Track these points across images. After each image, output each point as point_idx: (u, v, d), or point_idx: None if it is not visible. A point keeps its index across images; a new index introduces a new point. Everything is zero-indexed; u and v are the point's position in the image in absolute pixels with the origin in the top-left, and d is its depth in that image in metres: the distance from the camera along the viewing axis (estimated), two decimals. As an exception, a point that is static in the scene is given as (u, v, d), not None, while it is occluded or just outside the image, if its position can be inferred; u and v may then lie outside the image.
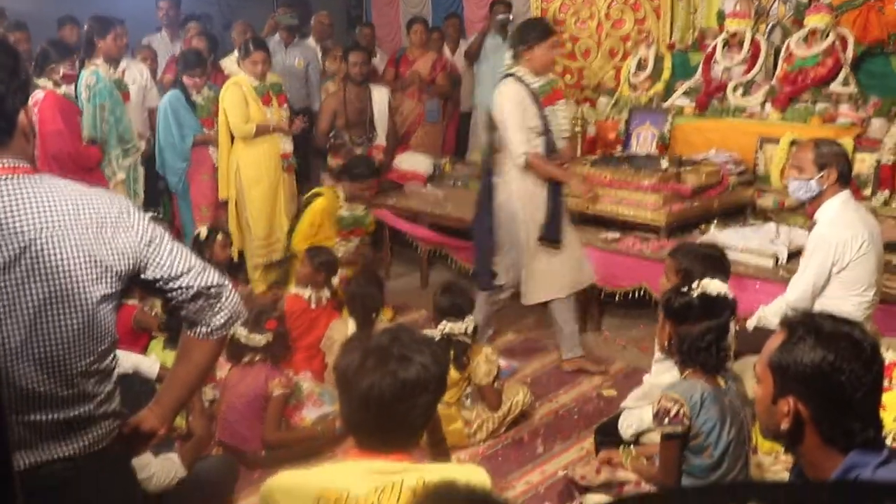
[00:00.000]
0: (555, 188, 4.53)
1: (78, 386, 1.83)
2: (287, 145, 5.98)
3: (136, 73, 6.35)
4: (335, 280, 4.71)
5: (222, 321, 2.02)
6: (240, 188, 5.88)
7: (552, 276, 4.63)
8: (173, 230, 5.59)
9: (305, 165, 6.99)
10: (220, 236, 4.94)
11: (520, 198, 4.57)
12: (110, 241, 1.81)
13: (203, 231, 4.97)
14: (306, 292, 4.57)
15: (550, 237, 4.55)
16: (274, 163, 5.90)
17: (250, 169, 5.84)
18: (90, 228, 1.78)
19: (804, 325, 1.73)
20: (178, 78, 6.11)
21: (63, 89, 5.19)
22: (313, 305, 4.55)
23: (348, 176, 5.58)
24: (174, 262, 1.93)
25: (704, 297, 2.74)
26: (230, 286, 2.04)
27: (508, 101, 4.51)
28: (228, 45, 7.94)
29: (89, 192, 1.85)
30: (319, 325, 4.51)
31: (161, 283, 1.92)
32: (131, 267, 1.86)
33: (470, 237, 5.70)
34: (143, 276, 1.90)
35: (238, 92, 5.76)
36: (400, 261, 6.62)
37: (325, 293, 4.62)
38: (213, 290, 1.98)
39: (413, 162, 6.87)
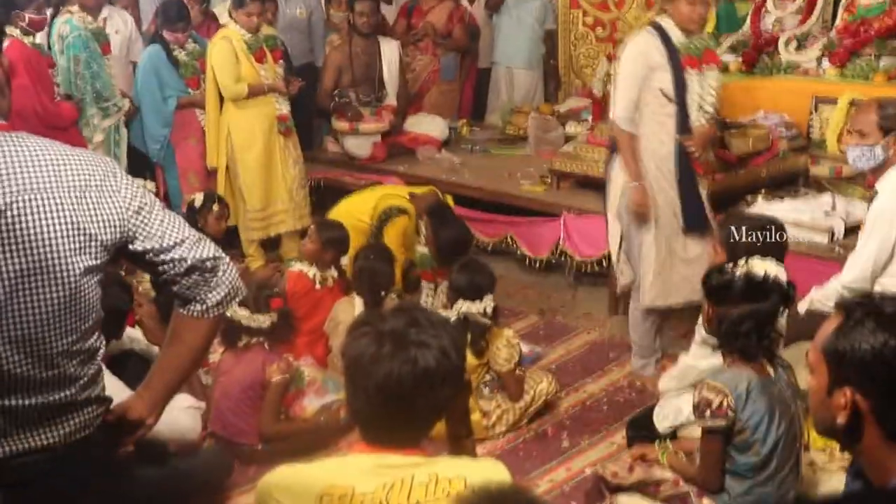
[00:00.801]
0: (684, 162, 4.29)
1: (58, 367, 1.84)
2: (283, 106, 5.93)
3: (119, 22, 6.34)
4: (344, 260, 4.70)
5: (219, 298, 2.02)
6: (231, 155, 5.87)
7: (680, 278, 4.29)
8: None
9: (307, 127, 6.98)
10: (216, 206, 4.95)
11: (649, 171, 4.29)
12: (94, 208, 1.81)
13: (198, 198, 4.97)
14: (311, 270, 4.56)
15: (692, 224, 4.29)
16: (268, 125, 5.87)
17: (242, 133, 5.82)
18: (72, 192, 1.78)
19: (862, 307, 1.71)
20: (157, 31, 6.05)
21: (33, 39, 5.16)
22: (318, 286, 4.55)
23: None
24: (165, 232, 1.93)
25: (747, 277, 2.72)
26: (227, 259, 2.05)
27: (629, 54, 4.31)
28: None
29: (72, 152, 1.84)
30: (324, 307, 4.52)
31: (151, 255, 1.92)
32: (118, 236, 1.86)
33: (489, 208, 5.71)
34: (131, 247, 1.90)
35: (227, 47, 5.71)
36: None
37: (332, 273, 4.62)
38: (208, 263, 1.98)
39: (426, 124, 6.84)
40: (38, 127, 4.95)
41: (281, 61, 5.99)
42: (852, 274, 3.53)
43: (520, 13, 7.77)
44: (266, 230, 5.93)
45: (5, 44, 4.91)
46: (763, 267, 2.72)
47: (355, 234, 4.88)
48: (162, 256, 1.93)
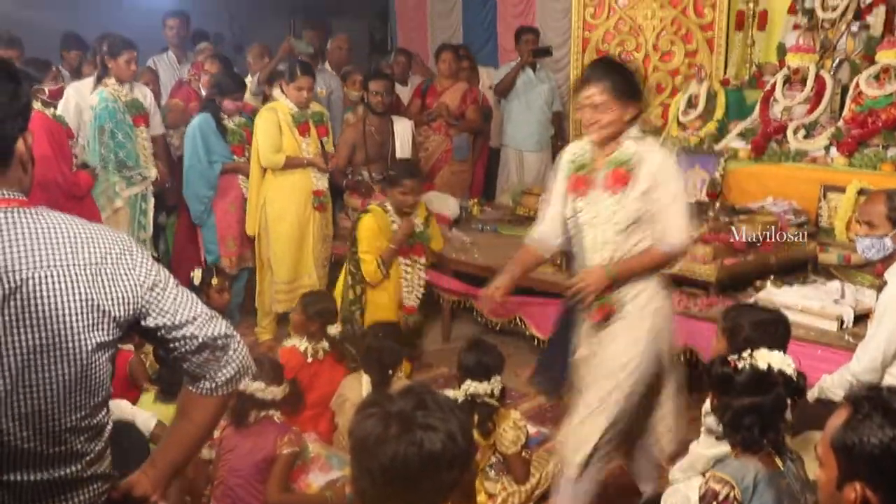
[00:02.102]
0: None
1: (66, 443, 1.83)
2: (321, 182, 6.06)
3: (139, 96, 6.46)
4: (332, 329, 4.69)
5: (228, 376, 2.02)
6: (265, 224, 5.97)
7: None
8: (198, 264, 5.69)
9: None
10: (215, 280, 4.97)
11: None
12: (110, 284, 1.82)
13: (196, 274, 5.01)
14: (303, 344, 4.56)
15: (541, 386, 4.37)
16: (304, 198, 5.98)
17: (277, 204, 5.93)
18: (88, 269, 1.79)
19: (871, 400, 1.71)
20: (207, 101, 6.23)
21: (54, 111, 5.31)
22: (309, 359, 4.54)
23: (388, 183, 5.54)
24: (178, 309, 1.94)
25: (750, 370, 2.70)
26: (238, 338, 2.05)
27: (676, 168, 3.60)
28: (241, 69, 8.08)
29: (89, 227, 1.86)
30: (321, 380, 4.50)
31: (163, 331, 1.93)
32: (131, 313, 1.87)
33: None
34: (143, 323, 1.91)
35: (273, 118, 5.89)
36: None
37: (324, 344, 4.61)
38: (220, 341, 1.99)
39: (438, 202, 6.90)
40: (59, 196, 5.11)
41: (326, 137, 6.15)
42: (862, 363, 3.51)
43: (529, 97, 7.90)
44: (290, 303, 5.89)
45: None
46: (767, 359, 2.69)
47: None
48: (174, 333, 1.94)
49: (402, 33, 10.51)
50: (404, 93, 8.02)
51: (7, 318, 1.72)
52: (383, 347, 4.28)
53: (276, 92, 6.09)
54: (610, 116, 3.42)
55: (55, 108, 5.44)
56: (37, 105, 5.16)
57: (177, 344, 1.96)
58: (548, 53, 7.96)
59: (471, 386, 3.88)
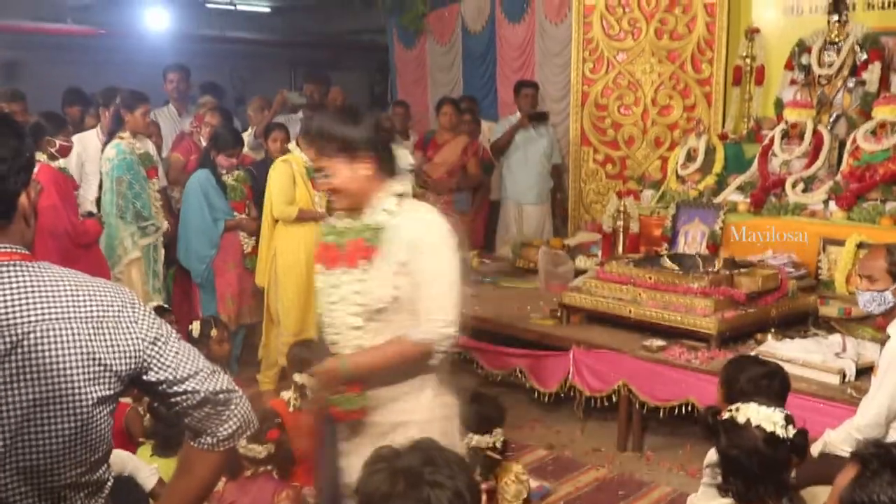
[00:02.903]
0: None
1: (65, 499, 1.81)
2: None
3: (149, 149, 6.51)
4: (299, 378, 4.61)
5: (230, 431, 2.00)
6: (274, 277, 5.97)
7: None
8: (195, 316, 5.69)
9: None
10: (214, 331, 4.95)
11: None
12: (111, 338, 1.81)
13: (195, 326, 4.99)
14: (287, 394, 4.52)
15: None
16: (314, 252, 5.94)
17: (287, 256, 5.92)
18: (89, 323, 1.78)
19: (880, 457, 1.70)
20: (205, 156, 6.27)
21: (59, 163, 5.41)
22: (290, 409, 4.49)
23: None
24: (180, 363, 1.92)
25: (729, 423, 2.68)
26: (240, 392, 2.04)
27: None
28: (242, 122, 8.15)
29: (91, 282, 1.86)
30: (302, 431, 4.42)
31: (164, 386, 1.91)
32: (132, 367, 1.85)
33: (498, 340, 5.71)
34: (144, 377, 1.89)
35: (287, 171, 5.92)
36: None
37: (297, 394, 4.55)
38: (221, 396, 1.98)
39: (438, 254, 6.91)
40: (69, 245, 5.24)
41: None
42: (866, 418, 3.50)
43: (528, 151, 7.96)
44: None
45: (35, 169, 5.14)
46: (748, 413, 2.66)
47: None
48: (175, 388, 1.92)
49: (402, 87, 10.61)
50: (406, 146, 8.06)
51: (8, 371, 1.71)
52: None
53: (292, 145, 6.12)
54: (338, 180, 2.86)
55: (59, 160, 5.51)
56: (44, 157, 5.29)
57: (178, 399, 1.94)
58: (544, 118, 8.05)
59: (472, 439, 3.85)
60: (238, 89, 13.43)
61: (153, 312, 1.94)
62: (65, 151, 5.51)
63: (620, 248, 6.45)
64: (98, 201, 6.08)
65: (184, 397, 1.94)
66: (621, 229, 6.50)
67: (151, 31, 11.70)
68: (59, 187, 5.30)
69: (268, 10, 14.10)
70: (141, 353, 1.86)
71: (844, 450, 3.42)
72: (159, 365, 1.89)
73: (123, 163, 5.79)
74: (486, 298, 6.28)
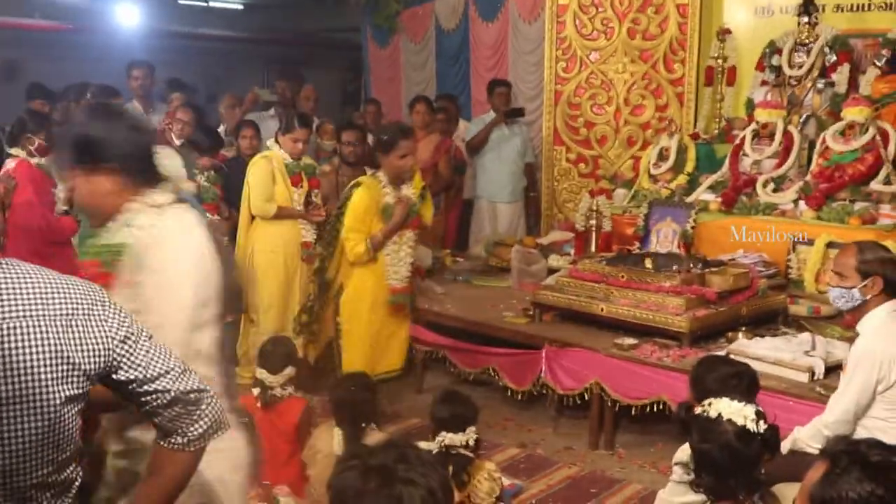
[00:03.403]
0: None
1: (32, 499, 1.79)
2: (309, 234, 6.02)
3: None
4: (259, 374, 4.58)
5: (201, 431, 1.99)
6: (251, 273, 5.89)
7: None
8: None
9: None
10: None
11: None
12: (80, 336, 1.79)
13: None
14: (256, 391, 4.49)
15: None
16: (293, 250, 5.96)
17: (266, 253, 5.89)
18: (59, 320, 1.76)
19: (849, 454, 1.72)
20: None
21: (37, 160, 5.37)
22: (259, 404, 4.46)
23: (382, 148, 5.13)
24: (150, 362, 1.91)
25: (703, 418, 2.70)
26: (211, 392, 2.02)
27: None
28: (213, 119, 8.09)
29: (60, 279, 1.83)
30: (268, 427, 4.39)
31: (135, 385, 1.90)
32: (102, 366, 1.83)
33: (471, 338, 5.70)
34: (114, 376, 1.87)
35: (266, 167, 5.87)
36: (392, 362, 6.58)
37: (271, 392, 4.53)
38: (192, 395, 1.96)
39: (411, 253, 6.90)
40: (41, 241, 5.19)
41: (316, 190, 6.11)
42: (835, 415, 3.53)
43: (502, 150, 7.96)
44: None
45: (10, 165, 5.10)
46: (720, 408, 2.68)
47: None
48: (146, 387, 1.90)
49: (376, 85, 10.59)
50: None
51: None
52: (356, 399, 4.23)
53: (270, 141, 6.05)
54: (79, 195, 2.58)
55: (38, 157, 5.47)
56: (22, 153, 5.27)
57: (149, 398, 1.92)
58: (520, 114, 8.06)
59: (445, 437, 3.84)
60: (210, 87, 13.35)
61: (123, 310, 1.92)
62: (43, 151, 5.46)
63: (593, 247, 6.47)
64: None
65: (154, 396, 1.92)
66: (594, 228, 6.53)
67: (122, 27, 11.59)
68: (36, 184, 5.28)
69: (241, 7, 14.02)
70: (111, 352, 1.84)
71: (813, 446, 3.46)
72: (129, 363, 1.87)
73: None
74: (459, 297, 6.28)
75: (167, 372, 1.93)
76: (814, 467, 1.76)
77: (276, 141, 5.98)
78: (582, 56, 7.81)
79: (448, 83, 9.69)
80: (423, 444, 3.66)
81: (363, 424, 4.15)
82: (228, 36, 13.83)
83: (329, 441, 4.17)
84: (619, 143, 7.75)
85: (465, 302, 6.15)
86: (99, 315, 1.84)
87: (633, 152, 7.64)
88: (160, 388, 1.91)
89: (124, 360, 1.87)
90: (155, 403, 1.93)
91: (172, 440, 1.99)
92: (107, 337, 1.83)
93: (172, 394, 1.93)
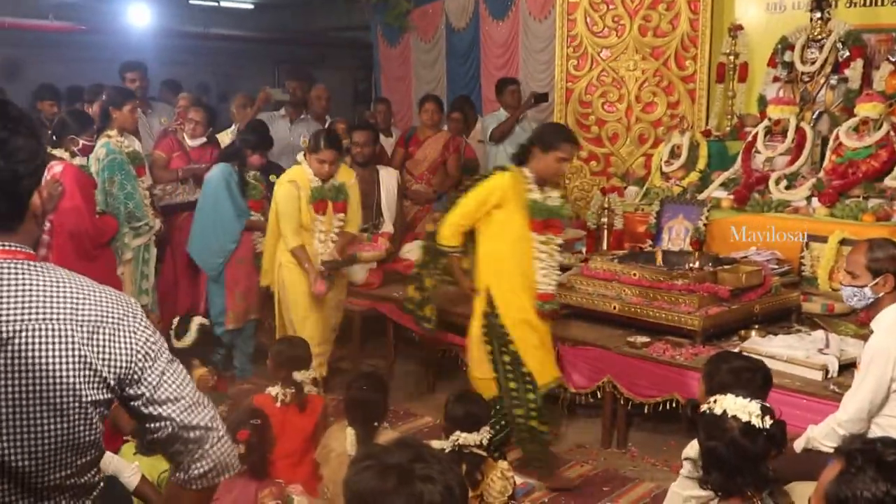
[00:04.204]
0: None
1: (50, 499, 1.79)
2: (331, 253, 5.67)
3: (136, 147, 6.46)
4: (299, 375, 4.62)
5: (201, 471, 1.94)
6: (282, 287, 5.68)
7: None
8: (202, 314, 5.67)
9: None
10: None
11: None
12: (106, 345, 1.79)
13: (175, 321, 4.99)
14: (274, 389, 4.51)
15: None
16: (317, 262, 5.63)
17: (294, 269, 5.58)
18: (84, 327, 1.76)
19: (863, 453, 1.71)
20: (229, 152, 6.17)
21: (78, 161, 5.35)
22: (278, 404, 4.48)
23: (540, 145, 4.73)
24: (161, 384, 1.87)
25: (709, 414, 2.70)
26: (221, 432, 1.96)
27: None
28: (225, 118, 8.12)
29: (95, 288, 1.83)
30: (287, 426, 4.41)
31: (140, 402, 1.86)
32: (121, 376, 1.82)
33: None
34: (127, 389, 1.85)
35: (293, 195, 5.51)
36: (404, 361, 6.59)
37: (290, 390, 4.55)
38: (194, 433, 1.91)
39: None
40: (88, 245, 5.18)
41: (342, 214, 5.69)
42: (848, 413, 3.51)
43: (513, 148, 7.92)
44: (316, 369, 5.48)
45: (57, 168, 5.08)
46: (725, 405, 2.68)
47: None
48: (150, 409, 1.87)
49: (387, 84, 10.59)
50: (388, 143, 8.06)
51: None
52: (368, 400, 4.23)
53: (300, 156, 5.71)
54: None
55: (78, 158, 5.42)
56: (66, 155, 5.25)
57: (151, 425, 1.89)
58: (545, 99, 8.07)
59: (459, 437, 3.84)
60: (222, 86, 13.38)
61: (153, 328, 1.90)
62: (87, 151, 5.43)
63: (605, 245, 6.46)
64: None
65: (156, 425, 1.89)
66: (606, 226, 6.52)
67: (134, 28, 11.62)
68: (83, 188, 5.21)
69: (251, 6, 14.04)
70: (132, 364, 1.83)
71: (827, 445, 3.44)
72: (142, 380, 1.85)
73: (114, 162, 5.64)
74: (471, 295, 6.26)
75: (176, 399, 1.89)
76: (830, 466, 1.76)
77: (305, 159, 5.63)
78: (593, 53, 7.79)
79: (458, 82, 9.69)
80: (435, 444, 3.68)
81: (375, 423, 4.16)
82: (239, 35, 13.87)
83: (342, 440, 4.17)
84: (631, 141, 7.73)
85: (477, 300, 6.14)
86: (128, 326, 1.83)
87: (645, 150, 7.61)
88: (163, 414, 1.88)
89: (140, 375, 1.85)
90: (155, 435, 1.90)
91: (177, 475, 1.96)
92: (131, 349, 1.83)
93: (171, 428, 1.89)
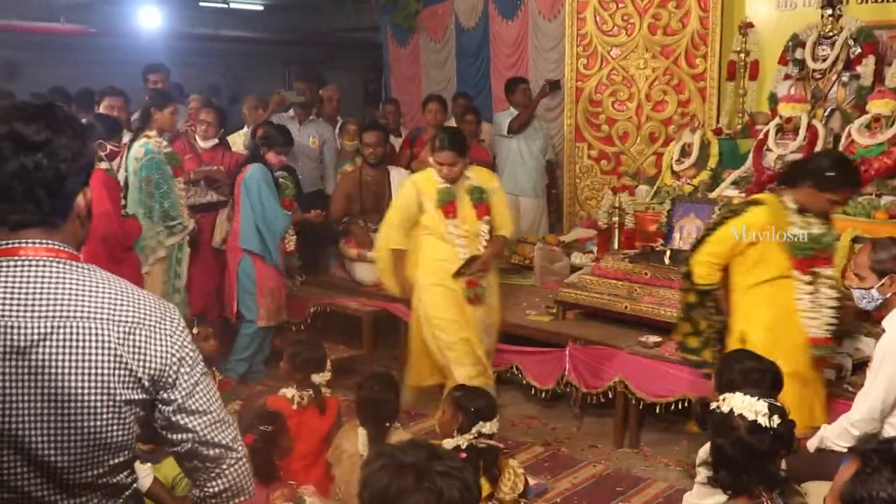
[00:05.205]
0: None
1: (81, 496, 1.81)
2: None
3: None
4: (317, 378, 4.62)
5: (217, 490, 1.97)
6: (423, 307, 5.36)
7: None
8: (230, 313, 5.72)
9: (315, 253, 7.04)
10: (196, 328, 4.93)
11: None
12: (142, 346, 1.80)
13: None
14: (290, 391, 4.51)
15: None
16: (456, 292, 5.27)
17: (435, 293, 5.23)
18: (121, 327, 1.78)
19: (879, 453, 1.69)
20: (254, 153, 6.19)
21: (105, 165, 5.37)
22: (294, 406, 4.49)
23: (815, 181, 4.06)
24: (193, 393, 1.89)
25: (714, 413, 2.70)
26: (241, 455, 1.99)
27: None
28: (236, 120, 8.13)
29: (135, 291, 1.86)
30: (305, 428, 4.42)
31: (170, 410, 1.88)
32: (155, 378, 1.83)
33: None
34: (159, 394, 1.86)
35: (408, 191, 5.33)
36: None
37: (308, 392, 4.55)
38: (214, 451, 1.94)
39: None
40: (117, 249, 5.20)
41: (487, 217, 5.26)
42: (861, 413, 3.48)
43: (527, 144, 7.94)
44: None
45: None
46: (732, 403, 2.68)
47: None
48: (178, 417, 1.89)
49: (396, 84, 10.59)
50: (398, 143, 8.06)
51: (35, 362, 1.72)
52: (379, 399, 4.23)
53: (425, 152, 5.55)
54: None
55: (105, 162, 5.43)
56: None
57: (175, 436, 1.91)
58: (559, 86, 8.07)
59: (484, 426, 3.83)
60: (232, 87, 13.41)
61: (190, 336, 1.92)
62: (114, 156, 5.48)
63: (616, 244, 6.44)
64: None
65: (178, 436, 1.91)
66: (616, 225, 6.49)
67: (144, 30, 11.66)
68: (111, 192, 5.24)
69: (261, 8, 14.06)
70: (167, 367, 1.85)
71: (840, 445, 3.42)
72: (175, 384, 1.87)
73: (152, 162, 5.73)
74: (482, 295, 6.26)
75: (204, 412, 1.91)
76: (845, 466, 1.74)
77: (431, 154, 5.34)
78: (603, 52, 7.77)
79: (468, 81, 9.68)
80: (448, 442, 3.68)
81: (387, 423, 4.16)
82: (248, 37, 13.89)
83: (354, 441, 4.17)
84: (641, 140, 7.71)
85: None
86: (164, 329, 1.85)
87: (656, 148, 7.59)
88: (189, 425, 1.90)
89: (174, 380, 1.86)
90: (177, 447, 1.93)
91: (195, 491, 1.99)
92: (167, 352, 1.85)
93: (192, 443, 1.91)
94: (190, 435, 1.90)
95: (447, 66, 10.03)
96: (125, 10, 11.64)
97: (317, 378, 4.50)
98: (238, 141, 7.27)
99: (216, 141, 6.78)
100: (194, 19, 12.97)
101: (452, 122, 7.73)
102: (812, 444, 3.58)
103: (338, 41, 14.19)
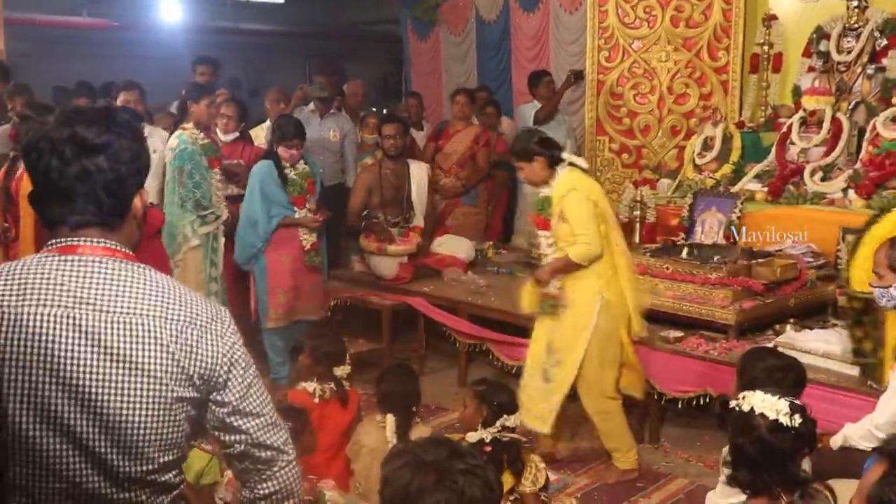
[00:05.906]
0: None
1: (130, 491, 1.82)
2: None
3: (157, 141, 6.50)
4: (339, 371, 4.63)
5: (267, 492, 1.98)
6: (595, 325, 4.89)
7: None
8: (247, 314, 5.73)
9: (335, 247, 7.04)
10: None
11: None
12: (193, 345, 1.82)
13: None
14: (311, 385, 4.51)
15: None
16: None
17: (608, 318, 4.73)
18: (172, 325, 1.80)
19: (907, 454, 1.67)
20: (270, 148, 6.16)
21: None
22: (316, 400, 4.49)
23: None
24: (247, 395, 1.90)
25: (735, 411, 2.67)
26: (291, 457, 2.00)
27: None
28: (257, 113, 8.14)
29: (188, 293, 1.88)
30: (328, 421, 4.44)
31: (226, 411, 1.89)
32: (206, 376, 1.84)
33: (513, 331, 5.67)
34: (213, 395, 1.88)
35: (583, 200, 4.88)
36: (435, 355, 6.59)
37: (330, 385, 4.55)
38: (266, 453, 1.95)
39: (453, 246, 6.89)
40: (142, 238, 5.14)
41: (545, 232, 4.99)
42: (884, 416, 3.41)
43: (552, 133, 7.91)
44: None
45: None
46: (752, 402, 2.65)
47: None
48: (232, 419, 1.90)
49: (417, 78, 10.58)
50: (420, 137, 8.05)
51: (88, 355, 1.74)
52: (403, 391, 4.24)
53: (566, 154, 5.12)
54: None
55: None
56: None
57: (228, 437, 1.92)
58: (582, 76, 8.05)
59: (508, 419, 3.82)
60: (252, 80, 13.45)
61: (241, 340, 1.93)
62: None
63: (637, 238, 6.41)
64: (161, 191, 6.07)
65: (231, 437, 1.92)
66: (638, 219, 6.46)
67: (165, 24, 11.70)
68: None
69: (281, 1, 14.09)
70: (218, 367, 1.86)
71: (863, 444, 3.38)
72: (230, 386, 1.88)
73: (185, 153, 5.82)
74: (502, 289, 6.25)
75: (257, 415, 1.92)
76: (872, 468, 1.73)
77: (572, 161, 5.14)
78: (624, 45, 7.73)
79: (489, 74, 9.66)
80: (473, 435, 3.68)
81: (413, 409, 4.18)
82: (269, 30, 13.93)
83: (374, 435, 4.18)
84: (663, 133, 7.66)
85: (507, 294, 6.11)
86: (216, 330, 1.87)
87: (678, 142, 7.54)
88: (243, 427, 1.91)
89: (227, 381, 1.88)
90: (229, 449, 1.94)
91: (244, 493, 2.01)
92: (218, 352, 1.86)
93: (245, 444, 1.93)
94: (243, 437, 1.92)
95: (468, 59, 10.01)
96: (146, 3, 11.69)
97: (338, 371, 4.52)
98: (260, 134, 7.28)
99: (237, 134, 6.78)
100: (215, 13, 13.02)
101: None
102: (836, 443, 3.54)
103: (358, 34, 14.22)
